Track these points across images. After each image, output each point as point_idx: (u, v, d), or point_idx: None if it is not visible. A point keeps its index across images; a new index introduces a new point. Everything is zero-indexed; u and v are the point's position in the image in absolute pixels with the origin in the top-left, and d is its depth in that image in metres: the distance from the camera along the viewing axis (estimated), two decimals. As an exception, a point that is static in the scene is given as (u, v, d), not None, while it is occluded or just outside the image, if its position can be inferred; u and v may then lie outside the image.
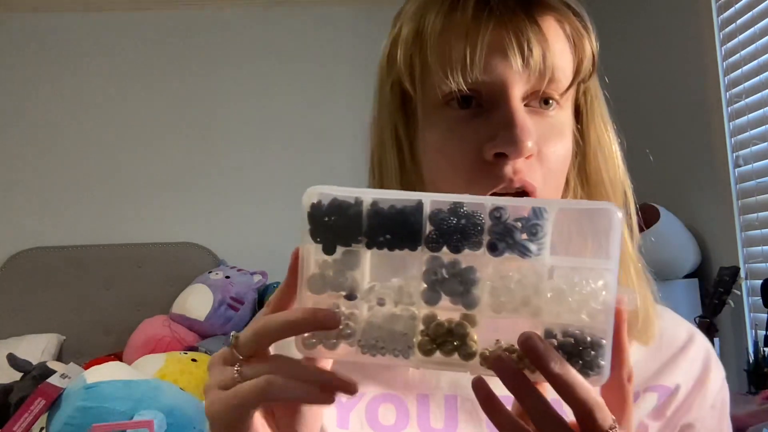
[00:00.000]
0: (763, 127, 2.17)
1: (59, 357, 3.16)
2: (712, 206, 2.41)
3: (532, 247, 0.45)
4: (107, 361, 2.55)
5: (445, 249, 0.45)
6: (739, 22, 2.26)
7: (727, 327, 2.25)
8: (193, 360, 2.75)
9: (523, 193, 0.60)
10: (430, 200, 0.45)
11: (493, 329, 0.47)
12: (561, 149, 0.63)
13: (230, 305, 3.10)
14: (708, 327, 1.97)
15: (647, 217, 2.19)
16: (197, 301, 3.10)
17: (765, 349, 1.99)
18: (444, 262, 0.46)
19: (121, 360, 2.86)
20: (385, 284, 0.47)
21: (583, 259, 0.46)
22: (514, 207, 0.45)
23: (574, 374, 0.44)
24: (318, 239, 0.47)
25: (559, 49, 0.62)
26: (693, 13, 2.49)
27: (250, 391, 0.47)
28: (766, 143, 2.17)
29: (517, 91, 0.61)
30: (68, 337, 3.28)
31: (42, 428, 1.83)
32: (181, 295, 3.19)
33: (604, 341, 0.45)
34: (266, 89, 3.65)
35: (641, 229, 0.71)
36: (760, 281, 1.93)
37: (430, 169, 0.64)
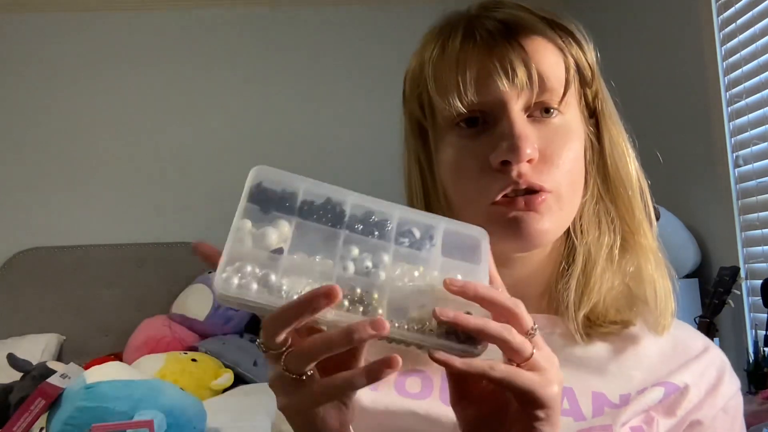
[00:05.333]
0: (763, 127, 2.17)
1: (59, 357, 3.16)
2: (712, 206, 2.41)
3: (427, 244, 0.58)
4: (107, 361, 2.55)
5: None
6: (739, 22, 2.26)
7: (727, 327, 2.25)
8: (193, 360, 2.75)
9: (530, 191, 0.67)
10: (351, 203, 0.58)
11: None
12: (567, 151, 0.69)
13: (230, 305, 3.10)
14: (708, 327, 1.97)
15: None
16: (197, 301, 3.10)
17: (765, 349, 1.99)
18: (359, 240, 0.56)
19: (121, 360, 2.86)
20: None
21: (463, 263, 0.58)
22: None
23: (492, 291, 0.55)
24: (255, 203, 0.55)
25: (546, 62, 0.69)
26: (693, 13, 2.49)
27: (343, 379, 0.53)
28: (766, 143, 2.17)
29: (516, 105, 0.68)
30: (68, 337, 3.27)
31: (42, 428, 1.83)
32: (181, 295, 3.19)
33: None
34: (264, 89, 3.65)
35: None
36: (760, 281, 1.92)
37: (447, 187, 0.72)
